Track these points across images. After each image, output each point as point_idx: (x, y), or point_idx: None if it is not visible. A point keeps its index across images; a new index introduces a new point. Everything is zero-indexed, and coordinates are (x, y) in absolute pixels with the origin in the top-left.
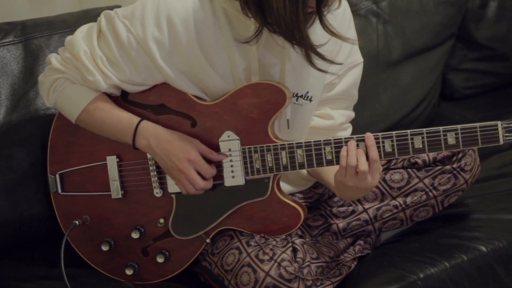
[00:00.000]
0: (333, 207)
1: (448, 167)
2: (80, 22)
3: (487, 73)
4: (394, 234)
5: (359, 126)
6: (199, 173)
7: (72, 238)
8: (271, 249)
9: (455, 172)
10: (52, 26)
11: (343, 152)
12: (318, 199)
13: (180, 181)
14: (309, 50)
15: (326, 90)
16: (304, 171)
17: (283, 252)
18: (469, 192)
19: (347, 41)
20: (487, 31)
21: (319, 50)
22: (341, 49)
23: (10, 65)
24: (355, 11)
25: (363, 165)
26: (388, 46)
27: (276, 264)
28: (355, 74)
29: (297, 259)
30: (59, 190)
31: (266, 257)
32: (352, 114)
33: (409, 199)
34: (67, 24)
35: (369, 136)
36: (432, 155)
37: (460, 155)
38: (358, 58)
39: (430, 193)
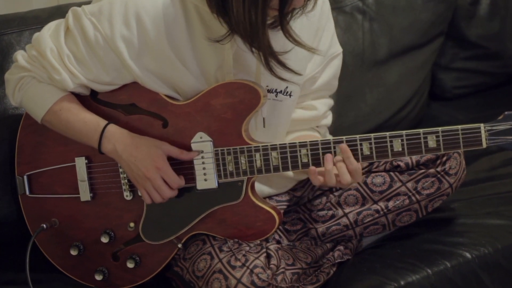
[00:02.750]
0: (313, 211)
1: (432, 170)
2: (53, 18)
3: (479, 73)
4: (376, 239)
5: (343, 126)
6: (165, 182)
7: (41, 241)
8: (244, 255)
9: (439, 175)
10: (23, 22)
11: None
12: (297, 202)
13: (145, 189)
14: (268, 57)
15: (309, 84)
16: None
17: (256, 258)
18: (455, 195)
19: (312, 51)
20: (479, 29)
21: (282, 56)
22: (321, 41)
23: None
24: (340, 8)
25: (347, 180)
26: (374, 44)
27: (248, 271)
28: (336, 65)
29: (271, 266)
30: (27, 192)
31: (238, 264)
32: (331, 102)
33: (391, 204)
34: (39, 20)
35: (345, 149)
36: (415, 158)
37: (444, 158)
38: (338, 48)
39: (413, 198)
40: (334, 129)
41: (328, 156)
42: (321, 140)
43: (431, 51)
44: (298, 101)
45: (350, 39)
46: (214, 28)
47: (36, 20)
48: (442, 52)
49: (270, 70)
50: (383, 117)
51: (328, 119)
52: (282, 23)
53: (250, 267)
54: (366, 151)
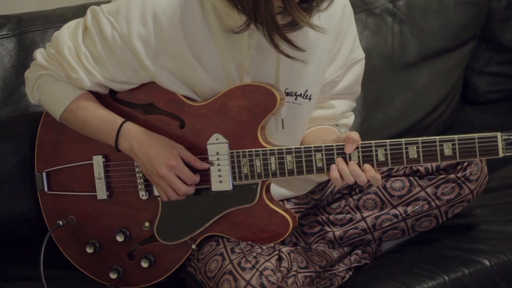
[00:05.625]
0: (331, 214)
1: (452, 176)
2: (78, 16)
3: None
4: (396, 244)
5: (370, 129)
6: (181, 179)
7: (58, 238)
8: (255, 257)
9: (459, 181)
10: (48, 20)
11: (334, 174)
12: (316, 205)
13: (161, 186)
14: (272, 32)
15: (329, 88)
16: None
17: (267, 260)
18: (478, 201)
19: (319, 30)
20: None
21: (290, 35)
22: (342, 45)
23: (2, 59)
24: (369, 10)
25: (363, 182)
26: (403, 47)
27: (258, 273)
28: (358, 70)
29: (281, 268)
30: (46, 189)
31: (248, 265)
32: (353, 104)
33: (410, 209)
34: (64, 18)
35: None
36: (435, 163)
37: (465, 164)
38: (360, 53)
39: (432, 203)
40: (360, 132)
41: (333, 167)
42: (336, 145)
43: (462, 54)
44: (318, 102)
45: (379, 42)
46: (231, 25)
47: (60, 18)
48: (476, 55)
49: (276, 46)
50: (411, 121)
51: (349, 119)
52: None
53: (260, 269)
54: (381, 157)
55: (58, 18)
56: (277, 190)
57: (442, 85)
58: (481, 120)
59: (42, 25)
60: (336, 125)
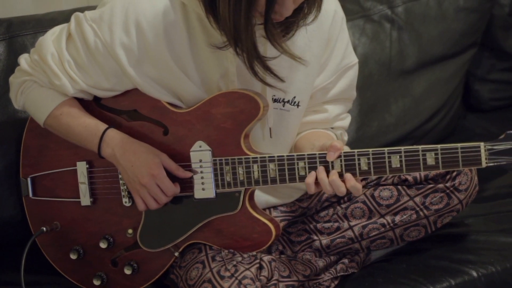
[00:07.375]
0: (319, 223)
1: (441, 185)
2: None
3: None
4: (386, 253)
5: (366, 136)
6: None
7: (43, 244)
8: (234, 266)
9: (448, 191)
10: (39, 24)
11: (309, 179)
12: (304, 213)
13: (140, 195)
14: (253, 59)
15: (321, 94)
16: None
17: (247, 269)
18: (471, 210)
19: (300, 62)
20: None
21: (270, 62)
22: (333, 51)
23: None
24: (367, 16)
25: (342, 193)
26: (401, 54)
27: (236, 281)
28: (351, 76)
29: (261, 277)
30: (30, 194)
31: (227, 274)
32: (349, 106)
33: (398, 218)
34: (56, 22)
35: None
36: (418, 172)
37: (454, 174)
38: (353, 59)
39: (420, 213)
40: (356, 139)
41: (312, 173)
42: (318, 153)
43: (462, 61)
44: (311, 107)
45: (377, 48)
46: (215, 36)
47: (52, 23)
48: (479, 62)
49: (255, 74)
50: (408, 129)
51: (345, 122)
52: (266, 26)
53: (239, 278)
54: (364, 166)
55: (49, 23)
56: (262, 197)
57: (441, 92)
58: (481, 127)
59: (32, 29)
60: (332, 128)
